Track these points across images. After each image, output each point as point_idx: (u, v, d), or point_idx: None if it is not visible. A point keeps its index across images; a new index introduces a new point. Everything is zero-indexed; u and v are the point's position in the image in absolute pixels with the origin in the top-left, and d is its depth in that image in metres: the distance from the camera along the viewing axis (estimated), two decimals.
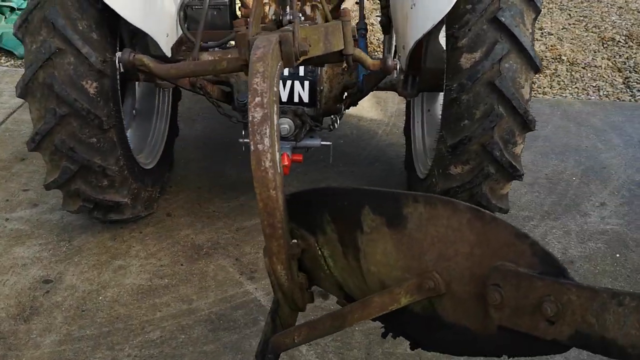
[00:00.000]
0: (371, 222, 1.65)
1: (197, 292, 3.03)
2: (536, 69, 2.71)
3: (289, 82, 3.12)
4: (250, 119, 1.76)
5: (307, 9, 3.38)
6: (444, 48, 3.57)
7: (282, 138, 3.16)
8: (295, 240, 1.88)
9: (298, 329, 1.79)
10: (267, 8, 3.40)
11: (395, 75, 2.77)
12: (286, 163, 3.15)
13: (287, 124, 3.12)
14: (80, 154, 2.84)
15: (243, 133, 3.28)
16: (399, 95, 3.26)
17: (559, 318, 1.31)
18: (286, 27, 2.31)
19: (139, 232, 3.44)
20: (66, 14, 2.68)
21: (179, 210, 3.63)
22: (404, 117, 3.93)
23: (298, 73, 3.12)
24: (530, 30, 2.72)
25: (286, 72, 3.12)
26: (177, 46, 3.28)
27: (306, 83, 3.13)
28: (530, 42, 2.68)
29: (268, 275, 1.86)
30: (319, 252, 1.87)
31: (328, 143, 3.27)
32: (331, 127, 3.27)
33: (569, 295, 1.29)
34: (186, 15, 3.33)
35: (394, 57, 3.96)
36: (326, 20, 2.77)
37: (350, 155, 4.16)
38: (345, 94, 3.31)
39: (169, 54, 3.06)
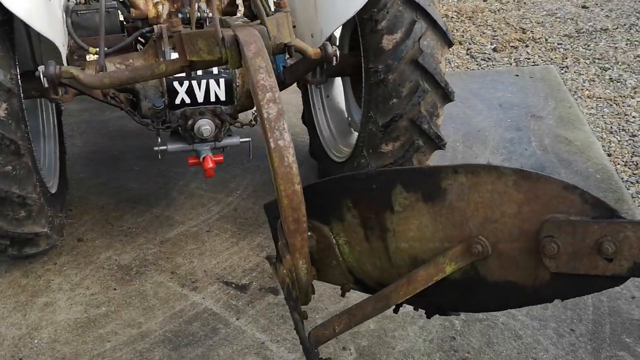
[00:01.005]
0: (404, 200, 1.69)
1: (142, 313, 2.85)
2: (449, 43, 2.90)
3: (203, 82, 3.00)
4: (265, 115, 1.72)
5: (203, 5, 3.28)
6: (336, 35, 3.69)
7: (203, 140, 3.05)
8: (310, 233, 1.87)
9: (338, 318, 1.78)
10: (159, 7, 3.24)
11: (335, 62, 2.79)
12: (211, 165, 3.05)
13: (208, 125, 3.01)
14: None
15: (159, 140, 3.11)
16: (309, 82, 3.28)
17: (617, 254, 1.47)
18: (246, 22, 2.23)
19: (52, 263, 3.13)
20: None
21: (90, 233, 3.36)
22: (294, 108, 3.92)
23: (212, 71, 3.01)
24: (439, 8, 2.90)
25: (200, 71, 3.00)
26: (69, 55, 3.02)
27: (221, 81, 3.03)
28: (441, 19, 2.86)
29: (290, 273, 1.83)
30: (333, 241, 1.87)
31: (247, 140, 3.21)
32: (253, 122, 3.21)
33: (624, 232, 1.45)
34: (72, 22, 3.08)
35: None
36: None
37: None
38: None
39: (66, 63, 2.81)
